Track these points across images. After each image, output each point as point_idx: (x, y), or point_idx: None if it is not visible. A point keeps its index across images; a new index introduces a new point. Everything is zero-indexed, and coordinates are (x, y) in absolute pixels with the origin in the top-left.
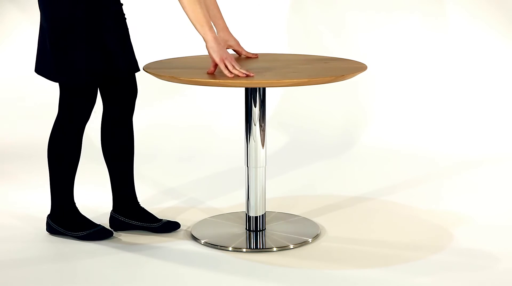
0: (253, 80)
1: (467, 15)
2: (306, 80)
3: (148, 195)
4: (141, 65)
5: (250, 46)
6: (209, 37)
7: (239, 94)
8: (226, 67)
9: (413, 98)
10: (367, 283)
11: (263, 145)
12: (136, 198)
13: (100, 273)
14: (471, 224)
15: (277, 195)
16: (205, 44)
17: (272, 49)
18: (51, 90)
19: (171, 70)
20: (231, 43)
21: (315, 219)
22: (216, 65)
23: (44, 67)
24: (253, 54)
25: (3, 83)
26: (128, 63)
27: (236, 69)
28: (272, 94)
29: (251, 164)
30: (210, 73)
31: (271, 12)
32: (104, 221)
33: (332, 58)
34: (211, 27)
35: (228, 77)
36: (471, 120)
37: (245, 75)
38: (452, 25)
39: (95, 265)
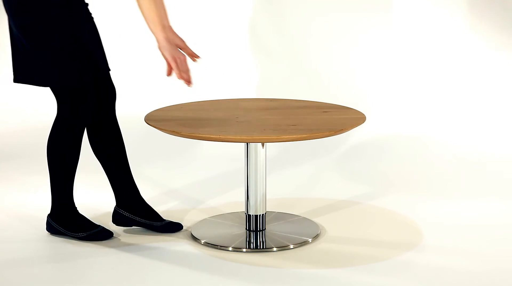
0: (254, 136)
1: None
2: (306, 135)
3: (149, 195)
4: (142, 111)
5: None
6: (161, 36)
7: (239, 94)
8: (178, 67)
9: (412, 99)
10: (367, 283)
11: (263, 145)
12: (139, 194)
13: (100, 273)
14: (474, 224)
15: (277, 195)
16: (156, 44)
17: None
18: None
19: (172, 122)
20: (177, 41)
21: (315, 219)
22: (171, 66)
23: (27, 74)
24: (196, 54)
25: (2, 82)
26: (105, 62)
27: (183, 74)
28: (272, 94)
29: (251, 164)
30: (168, 75)
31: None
32: (104, 221)
33: (331, 105)
34: (163, 27)
35: (225, 130)
36: (469, 121)
37: (189, 82)
38: (456, 25)
39: (95, 265)
